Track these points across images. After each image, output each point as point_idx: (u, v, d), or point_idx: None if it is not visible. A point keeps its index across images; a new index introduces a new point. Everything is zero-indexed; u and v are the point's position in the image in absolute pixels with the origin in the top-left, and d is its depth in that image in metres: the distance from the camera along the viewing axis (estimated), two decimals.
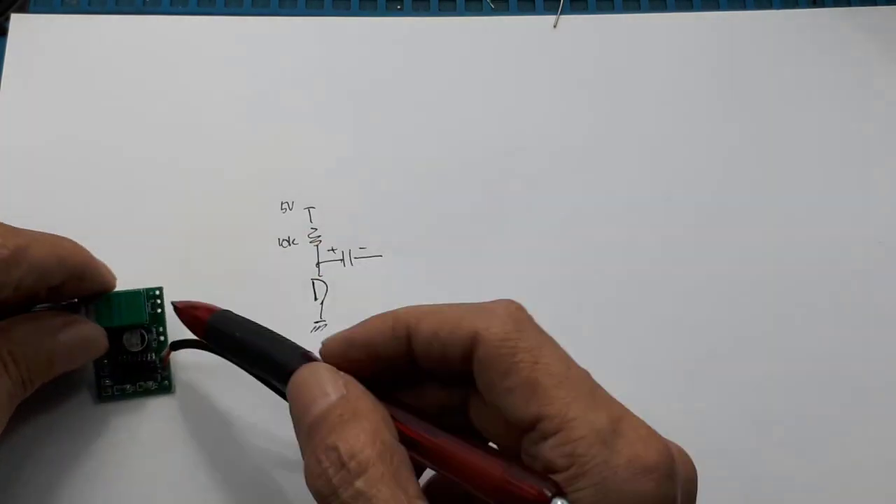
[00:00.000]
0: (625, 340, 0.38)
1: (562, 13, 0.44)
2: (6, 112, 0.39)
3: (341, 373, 0.27)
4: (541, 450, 0.25)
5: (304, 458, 0.26)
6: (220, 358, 0.32)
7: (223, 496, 0.33)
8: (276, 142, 0.40)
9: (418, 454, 0.26)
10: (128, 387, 0.34)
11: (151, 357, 0.34)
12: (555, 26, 0.44)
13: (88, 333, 0.32)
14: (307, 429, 0.26)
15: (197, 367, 0.35)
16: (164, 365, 0.34)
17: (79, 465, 0.33)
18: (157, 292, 0.35)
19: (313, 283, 0.37)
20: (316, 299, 0.37)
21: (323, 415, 0.26)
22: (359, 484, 0.24)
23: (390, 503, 0.23)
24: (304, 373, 0.27)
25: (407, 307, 0.28)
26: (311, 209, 0.39)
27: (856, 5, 0.46)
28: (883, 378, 0.38)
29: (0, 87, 0.40)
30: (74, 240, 0.32)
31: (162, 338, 0.34)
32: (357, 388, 0.27)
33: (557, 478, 0.24)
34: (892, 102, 0.44)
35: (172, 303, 0.33)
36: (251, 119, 0.40)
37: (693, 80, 0.43)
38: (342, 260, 0.38)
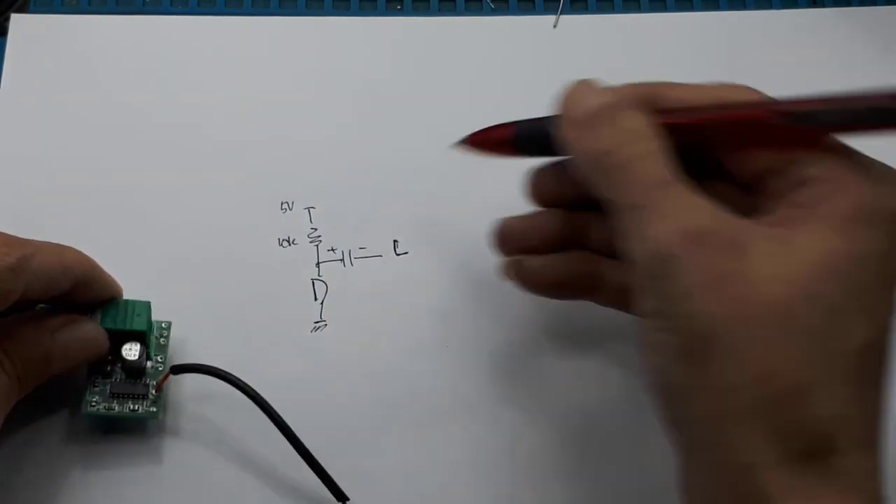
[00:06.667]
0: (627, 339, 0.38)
1: (562, 13, 0.44)
2: (6, 112, 0.39)
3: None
4: (797, 171, 0.26)
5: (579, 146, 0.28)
6: (225, 385, 0.32)
7: None
8: (276, 142, 0.40)
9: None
10: (115, 406, 0.33)
11: (146, 381, 0.33)
12: (555, 26, 0.44)
13: (88, 332, 0.32)
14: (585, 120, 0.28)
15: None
16: (158, 391, 0.33)
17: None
18: (165, 325, 0.34)
19: (313, 283, 0.37)
20: (316, 299, 0.37)
21: (604, 104, 0.28)
22: (642, 144, 0.27)
23: (669, 166, 0.26)
24: (572, 85, 0.30)
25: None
26: (311, 209, 0.39)
27: (856, 5, 0.46)
28: None
29: (0, 87, 0.40)
30: (76, 242, 0.32)
31: (161, 367, 0.34)
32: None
33: (816, 187, 0.26)
34: None
35: (460, 143, 0.35)
36: (251, 119, 0.40)
37: (693, 80, 0.43)
38: (342, 260, 0.38)
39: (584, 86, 0.29)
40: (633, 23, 0.44)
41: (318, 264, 0.38)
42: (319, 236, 0.38)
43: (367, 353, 0.36)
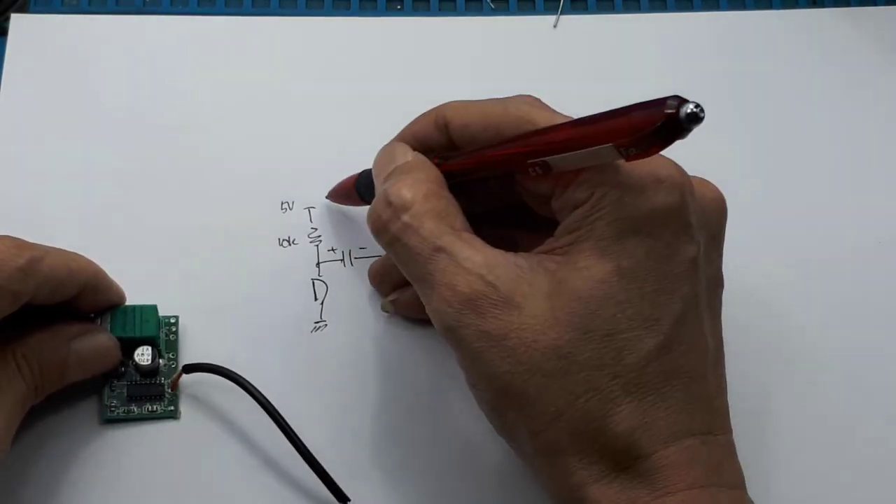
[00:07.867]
0: None
1: (562, 13, 0.44)
2: (6, 112, 0.39)
3: (410, 148, 0.31)
4: (567, 195, 0.27)
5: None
6: (229, 386, 0.32)
7: None
8: (276, 142, 0.40)
9: (535, 149, 0.27)
10: (134, 409, 0.33)
11: (161, 381, 0.33)
12: (555, 26, 0.44)
13: (103, 343, 0.32)
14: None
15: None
16: (173, 389, 0.33)
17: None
18: (173, 320, 0.35)
19: (313, 283, 0.37)
20: (316, 299, 0.37)
21: (388, 174, 0.30)
22: (405, 218, 0.28)
23: (434, 232, 0.27)
24: (382, 148, 0.32)
25: (446, 102, 0.32)
26: (311, 209, 0.39)
27: (856, 5, 0.46)
28: (883, 378, 0.38)
29: (0, 87, 0.40)
30: (75, 242, 0.32)
31: (173, 364, 0.34)
32: (419, 156, 0.30)
33: (580, 210, 0.26)
34: (892, 102, 0.44)
35: (326, 198, 0.37)
36: (251, 119, 0.40)
37: (693, 80, 0.43)
38: (342, 260, 0.38)
39: (385, 151, 0.32)
40: (633, 23, 0.44)
41: (318, 264, 0.38)
42: (319, 236, 0.38)
43: (367, 353, 0.36)
